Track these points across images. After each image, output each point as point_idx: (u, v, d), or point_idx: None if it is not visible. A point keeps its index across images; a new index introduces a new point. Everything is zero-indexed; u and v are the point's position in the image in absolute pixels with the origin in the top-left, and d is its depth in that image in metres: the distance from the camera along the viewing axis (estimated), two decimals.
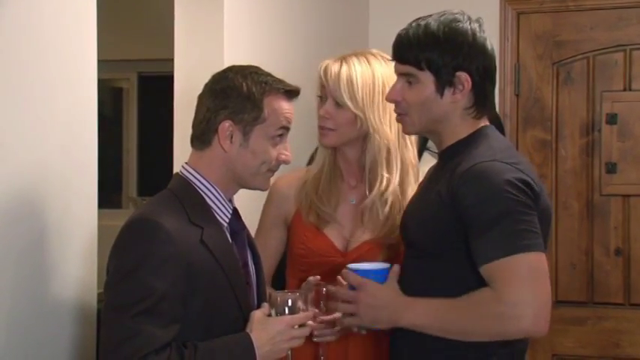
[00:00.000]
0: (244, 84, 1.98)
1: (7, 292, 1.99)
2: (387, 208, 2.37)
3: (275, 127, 1.99)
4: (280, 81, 2.02)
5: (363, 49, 2.49)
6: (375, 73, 2.38)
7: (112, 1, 3.68)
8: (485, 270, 1.96)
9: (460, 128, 2.11)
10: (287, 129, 2.02)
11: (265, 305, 2.00)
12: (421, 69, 2.08)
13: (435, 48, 2.07)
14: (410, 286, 2.12)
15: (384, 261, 2.24)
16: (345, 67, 2.37)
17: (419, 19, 2.13)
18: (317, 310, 2.17)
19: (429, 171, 2.29)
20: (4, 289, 1.98)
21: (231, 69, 2.04)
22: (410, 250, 2.18)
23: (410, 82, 2.11)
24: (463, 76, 2.07)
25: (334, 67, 2.38)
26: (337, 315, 2.18)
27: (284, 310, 1.97)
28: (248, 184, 2.04)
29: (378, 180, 2.39)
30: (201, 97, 2.03)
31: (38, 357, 2.10)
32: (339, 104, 2.37)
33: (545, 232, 2.06)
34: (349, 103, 2.36)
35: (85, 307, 2.28)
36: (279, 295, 2.00)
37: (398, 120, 2.19)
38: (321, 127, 2.40)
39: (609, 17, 4.12)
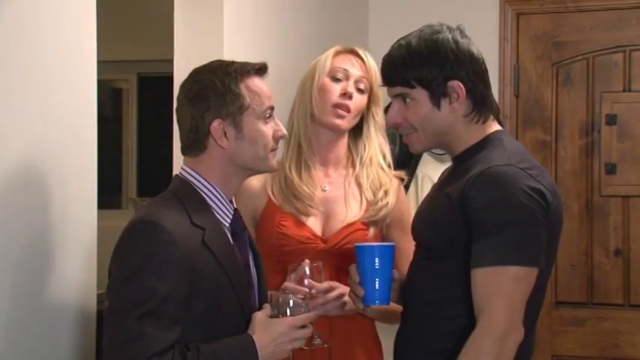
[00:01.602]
0: (216, 80, 1.98)
1: (6, 292, 1.99)
2: (371, 189, 2.47)
3: (261, 107, 2.00)
4: (246, 63, 2.03)
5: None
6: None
7: (111, 2, 3.67)
8: (475, 274, 1.97)
9: (467, 135, 2.11)
10: (272, 107, 2.03)
11: (267, 306, 2.00)
12: (412, 87, 2.08)
13: (421, 64, 2.06)
14: (420, 287, 2.13)
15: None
16: (370, 58, 2.48)
17: (399, 40, 2.13)
18: (323, 285, 2.23)
19: (442, 173, 2.29)
20: (4, 289, 1.98)
21: (197, 72, 2.04)
22: (420, 251, 2.18)
23: (405, 101, 2.11)
24: (455, 84, 2.06)
25: (369, 57, 2.47)
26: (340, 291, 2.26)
27: (285, 311, 1.98)
28: (255, 169, 2.05)
29: (364, 163, 2.49)
30: (179, 109, 2.03)
31: (38, 358, 2.10)
32: (362, 90, 2.44)
33: (556, 237, 2.07)
34: (378, 93, 2.47)
35: (85, 307, 2.28)
36: (280, 297, 2.01)
37: (406, 141, 2.18)
38: (342, 106, 2.42)
39: (609, 18, 4.12)
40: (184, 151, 2.04)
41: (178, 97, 2.03)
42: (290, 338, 1.95)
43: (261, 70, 2.04)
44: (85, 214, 2.28)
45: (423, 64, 2.06)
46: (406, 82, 2.08)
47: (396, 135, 3.83)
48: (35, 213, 2.09)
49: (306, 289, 2.19)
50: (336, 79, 2.43)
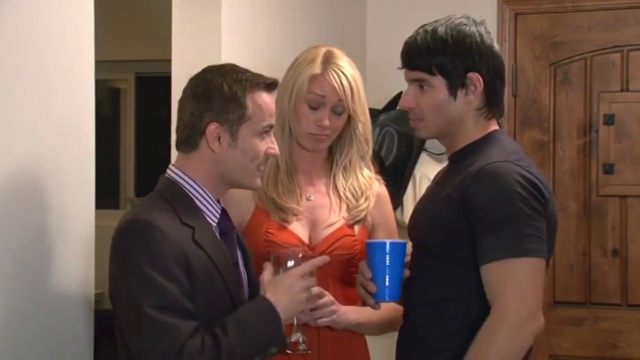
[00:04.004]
0: (225, 84, 1.97)
1: (4, 290, 1.99)
2: (351, 193, 2.43)
3: (261, 123, 1.99)
4: (259, 75, 2.02)
5: (327, 46, 2.47)
6: (356, 70, 2.42)
7: (109, 2, 3.67)
8: (485, 270, 1.98)
9: (472, 130, 2.12)
10: (272, 126, 2.03)
11: (267, 265, 2.02)
12: (432, 74, 2.09)
13: (444, 52, 2.08)
14: (420, 287, 2.13)
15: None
16: (348, 76, 2.38)
17: (425, 25, 2.14)
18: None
19: (438, 173, 2.29)
20: (2, 288, 1.98)
21: (209, 70, 2.03)
22: (419, 250, 2.18)
23: (422, 87, 2.12)
24: (475, 77, 2.08)
25: (344, 80, 2.37)
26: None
27: (287, 265, 2.00)
28: (238, 182, 2.04)
29: (341, 167, 2.45)
30: (182, 102, 2.02)
31: (36, 355, 2.10)
32: (340, 112, 2.39)
33: (552, 237, 2.07)
34: (357, 109, 2.39)
35: (84, 307, 2.28)
36: (280, 253, 2.03)
37: (413, 125, 2.19)
38: (319, 135, 2.39)
39: (606, 18, 4.12)
40: (177, 144, 2.04)
41: (184, 90, 2.03)
42: (301, 287, 1.97)
43: (271, 85, 2.03)
44: (83, 214, 2.28)
45: (447, 53, 2.08)
46: (427, 68, 2.09)
47: (394, 135, 3.86)
48: (33, 213, 2.09)
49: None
50: (312, 106, 2.38)
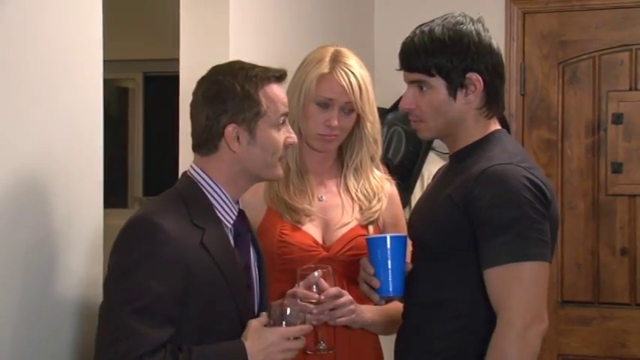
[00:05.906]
0: (236, 84, 1.97)
1: (14, 289, 1.99)
2: (363, 195, 2.42)
3: (276, 115, 1.99)
4: (267, 69, 2.01)
5: (335, 46, 2.46)
6: (365, 69, 2.41)
7: (117, 1, 3.68)
8: (489, 274, 1.97)
9: (474, 130, 2.11)
10: (287, 114, 2.03)
11: (264, 314, 1.99)
12: (431, 75, 2.08)
13: (442, 53, 2.06)
14: (419, 287, 2.13)
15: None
16: (356, 75, 2.37)
17: (422, 25, 2.12)
18: (332, 290, 2.21)
19: (437, 172, 2.29)
20: (12, 286, 1.99)
21: (218, 71, 2.02)
22: (419, 251, 2.18)
23: (421, 89, 2.11)
24: (474, 77, 2.07)
25: (352, 79, 2.36)
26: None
27: (281, 321, 1.96)
28: (261, 176, 2.05)
29: (352, 168, 2.44)
30: (195, 106, 2.02)
31: (44, 352, 2.10)
32: (350, 111, 2.38)
33: (554, 238, 2.06)
34: (366, 109, 2.38)
35: (91, 305, 2.28)
36: (277, 306, 2.01)
37: (414, 127, 2.18)
38: (327, 135, 2.38)
39: (615, 17, 4.12)
40: (195, 148, 2.04)
41: (195, 94, 2.02)
42: (281, 348, 1.93)
43: (281, 77, 2.03)
44: (91, 213, 2.29)
45: (445, 53, 2.06)
46: (426, 69, 2.08)
47: (402, 134, 3.86)
48: (41, 212, 2.09)
49: (316, 295, 2.19)
50: (321, 106, 2.36)
